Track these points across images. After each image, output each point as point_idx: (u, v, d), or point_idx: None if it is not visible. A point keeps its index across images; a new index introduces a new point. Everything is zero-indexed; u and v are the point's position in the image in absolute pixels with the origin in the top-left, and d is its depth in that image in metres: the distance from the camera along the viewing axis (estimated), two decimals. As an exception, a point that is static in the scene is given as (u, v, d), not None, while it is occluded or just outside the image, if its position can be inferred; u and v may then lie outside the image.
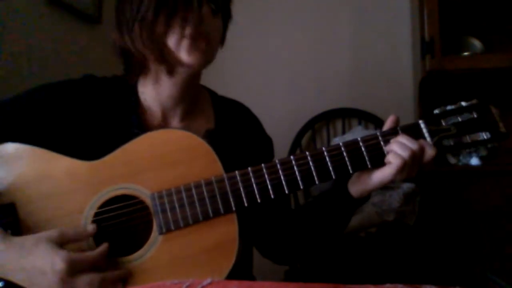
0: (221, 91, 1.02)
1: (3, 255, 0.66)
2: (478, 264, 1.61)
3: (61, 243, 0.67)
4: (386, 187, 1.76)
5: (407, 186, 1.73)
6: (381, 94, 2.07)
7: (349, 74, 2.11)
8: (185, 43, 0.79)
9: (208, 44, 0.81)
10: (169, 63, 0.82)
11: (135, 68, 0.86)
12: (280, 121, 2.03)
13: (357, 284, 0.55)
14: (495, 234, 1.61)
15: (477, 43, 1.89)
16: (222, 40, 0.92)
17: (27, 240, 0.67)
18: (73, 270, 0.65)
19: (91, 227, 0.72)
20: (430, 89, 1.85)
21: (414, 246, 1.64)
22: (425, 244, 1.65)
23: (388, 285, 0.55)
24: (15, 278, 0.66)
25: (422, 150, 0.76)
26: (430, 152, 0.76)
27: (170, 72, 0.83)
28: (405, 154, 0.75)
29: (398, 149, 0.75)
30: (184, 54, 0.79)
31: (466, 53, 1.86)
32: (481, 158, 1.69)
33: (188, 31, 0.78)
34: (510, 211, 1.60)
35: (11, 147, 0.75)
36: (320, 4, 2.13)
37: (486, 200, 1.62)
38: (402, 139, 0.77)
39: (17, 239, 0.67)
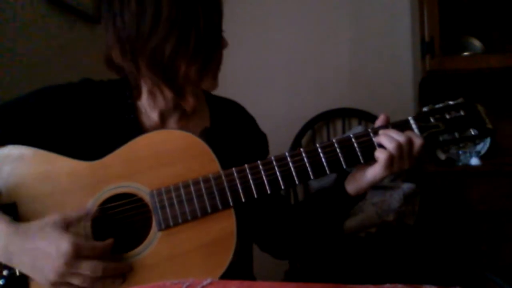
0: (221, 91, 1.02)
1: (8, 238, 0.66)
2: (478, 264, 1.61)
3: (65, 225, 0.68)
4: (386, 187, 1.76)
5: (407, 186, 1.73)
6: (381, 94, 2.07)
7: (349, 74, 2.11)
8: (209, 74, 0.84)
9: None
10: (181, 90, 0.83)
11: (131, 85, 0.87)
12: (280, 121, 2.04)
13: (357, 284, 0.56)
14: (495, 234, 1.61)
15: (477, 43, 1.89)
16: None
17: (33, 225, 0.68)
18: (78, 254, 0.65)
19: (92, 206, 0.73)
20: (430, 89, 1.85)
21: (414, 246, 1.64)
22: (425, 244, 1.65)
23: (388, 285, 0.55)
24: (20, 261, 0.66)
25: (409, 141, 0.77)
26: (417, 141, 0.78)
27: (180, 96, 0.85)
28: (391, 146, 0.76)
29: (385, 141, 0.77)
30: (206, 86, 0.85)
31: (466, 53, 1.86)
32: (481, 157, 1.70)
33: (214, 65, 0.84)
34: (510, 211, 1.60)
35: (12, 149, 0.76)
36: (320, 4, 2.13)
37: (486, 200, 1.62)
38: (389, 131, 0.79)
39: (23, 224, 0.68)
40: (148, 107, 0.88)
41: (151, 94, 0.86)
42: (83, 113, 0.84)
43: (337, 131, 2.09)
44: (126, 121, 0.86)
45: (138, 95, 0.87)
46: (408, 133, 0.78)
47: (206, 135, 0.89)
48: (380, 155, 0.77)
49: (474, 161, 1.71)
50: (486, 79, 1.81)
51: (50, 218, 0.68)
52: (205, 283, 0.54)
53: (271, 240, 0.98)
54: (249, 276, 0.98)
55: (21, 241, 0.66)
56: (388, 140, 0.77)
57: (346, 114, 2.05)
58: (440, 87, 1.81)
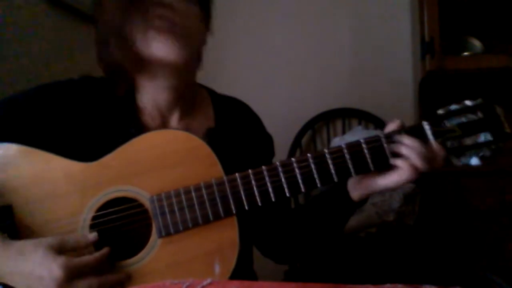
0: (221, 91, 1.02)
1: (1, 259, 0.65)
2: (478, 264, 1.61)
3: (60, 250, 0.67)
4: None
5: (407, 186, 1.73)
6: (381, 94, 2.07)
7: (349, 74, 2.11)
8: (158, 40, 0.76)
9: (185, 36, 0.77)
10: (148, 69, 0.81)
11: (121, 81, 0.86)
12: (280, 121, 2.03)
13: (357, 284, 0.55)
14: (495, 234, 1.61)
15: (477, 43, 1.89)
16: (207, 27, 0.87)
17: (26, 244, 0.66)
18: (71, 276, 0.64)
19: (92, 236, 0.71)
20: (430, 89, 1.85)
21: (414, 246, 1.64)
22: (425, 244, 1.65)
23: (388, 285, 0.55)
24: (13, 282, 0.65)
25: (434, 156, 0.73)
26: (439, 161, 0.74)
27: (152, 77, 0.82)
28: (418, 162, 0.72)
29: (410, 154, 0.73)
30: (159, 52, 0.77)
31: (466, 53, 1.86)
32: (482, 158, 1.69)
33: (158, 25, 0.76)
34: (510, 211, 1.60)
35: (7, 148, 0.74)
36: (320, 4, 2.13)
37: (486, 200, 1.62)
38: (414, 143, 0.74)
39: (16, 244, 0.67)
40: (147, 104, 0.87)
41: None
42: (81, 110, 0.82)
43: (337, 131, 2.09)
44: (126, 119, 0.85)
45: (121, 89, 0.86)
46: (435, 148, 0.74)
47: (210, 135, 0.88)
48: (405, 167, 0.73)
49: (474, 161, 1.70)
50: (486, 79, 1.81)
51: (45, 240, 0.67)
52: (205, 283, 0.54)
53: (272, 245, 0.97)
54: (250, 271, 0.97)
55: (14, 263, 0.65)
56: (414, 154, 0.73)
57: (346, 114, 2.05)
58: (440, 87, 1.81)
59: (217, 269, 0.72)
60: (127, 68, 0.82)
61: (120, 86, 0.85)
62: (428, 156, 0.73)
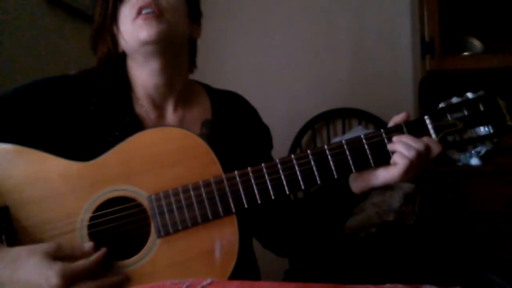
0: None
1: None
2: (478, 264, 1.61)
3: (56, 257, 0.66)
4: (386, 187, 1.75)
5: (407, 186, 1.73)
6: (381, 94, 2.07)
7: (349, 74, 2.10)
8: (131, 19, 0.79)
9: (160, 15, 0.78)
10: (132, 55, 0.84)
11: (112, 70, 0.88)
12: (280, 121, 2.03)
13: (357, 284, 0.55)
14: (495, 234, 1.61)
15: (477, 43, 1.89)
16: (192, 14, 0.88)
17: (21, 252, 0.65)
18: (68, 282, 0.64)
19: (88, 246, 0.70)
20: (430, 89, 1.84)
21: (414, 246, 1.64)
22: (425, 244, 1.65)
23: (388, 285, 0.54)
24: None
25: (427, 148, 0.74)
26: (435, 150, 0.74)
27: (139, 63, 0.83)
28: (410, 154, 0.72)
29: (403, 150, 0.73)
30: (136, 31, 0.79)
31: (466, 53, 1.86)
32: (481, 157, 1.69)
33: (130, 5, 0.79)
34: (509, 211, 1.60)
35: (1, 148, 0.73)
36: (320, 4, 2.13)
37: (486, 200, 1.62)
38: (406, 139, 0.74)
39: (12, 251, 0.66)
40: (140, 94, 0.86)
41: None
42: (75, 106, 0.81)
43: (337, 131, 2.09)
44: (121, 111, 0.84)
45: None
46: (426, 140, 0.74)
47: (207, 127, 0.88)
48: (400, 160, 0.73)
49: (474, 161, 1.71)
50: (486, 79, 1.81)
51: (41, 246, 0.66)
52: (205, 283, 0.54)
53: (273, 237, 0.96)
54: (254, 268, 0.97)
55: (10, 271, 0.64)
56: (406, 149, 0.73)
57: (346, 114, 2.05)
58: (440, 87, 1.81)
59: (217, 267, 0.72)
60: (114, 58, 0.86)
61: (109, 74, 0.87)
62: (423, 152, 0.73)
